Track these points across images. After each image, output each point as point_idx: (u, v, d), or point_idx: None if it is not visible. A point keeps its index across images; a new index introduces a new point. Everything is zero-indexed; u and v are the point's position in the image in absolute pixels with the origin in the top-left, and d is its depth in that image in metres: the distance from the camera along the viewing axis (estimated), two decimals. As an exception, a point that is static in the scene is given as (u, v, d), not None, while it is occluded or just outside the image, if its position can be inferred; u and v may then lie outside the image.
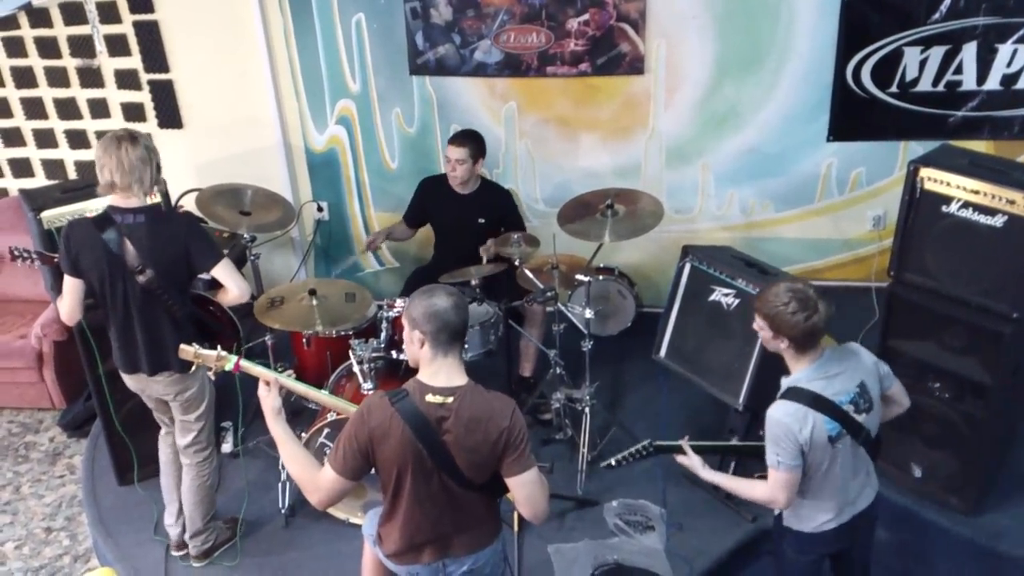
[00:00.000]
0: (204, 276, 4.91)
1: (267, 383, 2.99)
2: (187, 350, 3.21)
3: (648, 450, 3.27)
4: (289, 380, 3.09)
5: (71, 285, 3.50)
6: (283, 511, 4.32)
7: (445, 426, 2.68)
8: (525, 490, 2.74)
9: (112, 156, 3.33)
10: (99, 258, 3.40)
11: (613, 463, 3.31)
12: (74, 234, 3.44)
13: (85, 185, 4.29)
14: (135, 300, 3.49)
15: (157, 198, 3.63)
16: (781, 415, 2.92)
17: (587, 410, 4.53)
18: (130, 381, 3.76)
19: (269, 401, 2.94)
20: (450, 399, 2.69)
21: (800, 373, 2.99)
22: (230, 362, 3.19)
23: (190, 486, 3.96)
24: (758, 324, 3.02)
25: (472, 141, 4.82)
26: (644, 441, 3.27)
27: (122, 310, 3.52)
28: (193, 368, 3.60)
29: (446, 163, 4.84)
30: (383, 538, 2.95)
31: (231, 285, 3.53)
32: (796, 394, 2.94)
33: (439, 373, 2.73)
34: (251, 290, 3.55)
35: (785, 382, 3.02)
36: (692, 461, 3.22)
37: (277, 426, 2.91)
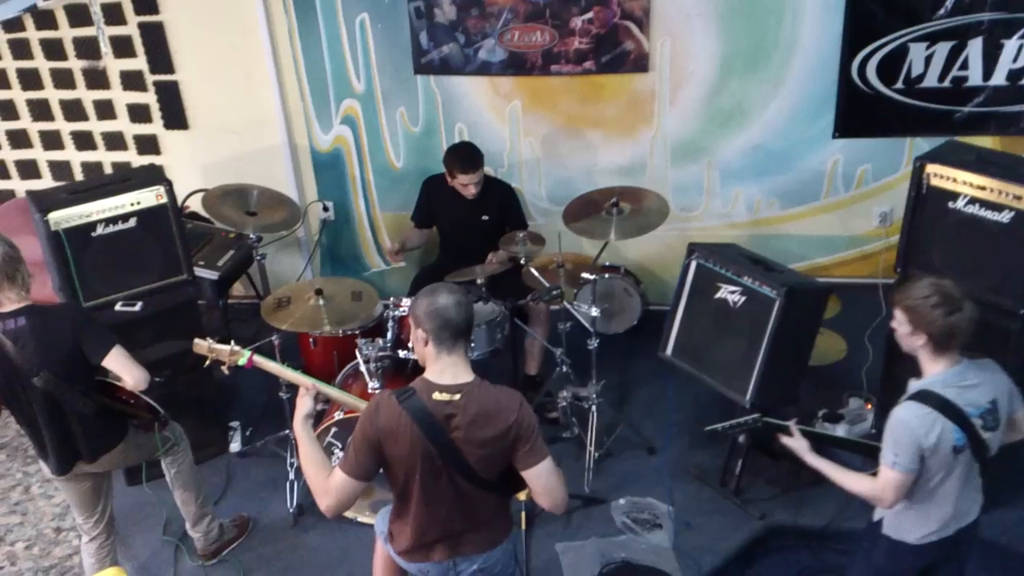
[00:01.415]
0: (211, 276, 4.99)
1: (307, 389, 3.02)
2: (201, 344, 3.23)
3: (756, 423, 3.26)
4: (327, 387, 3.12)
5: None
6: (291, 510, 4.33)
7: (453, 423, 2.68)
8: (542, 481, 2.74)
9: None
10: None
11: (719, 428, 3.31)
12: None
13: (92, 186, 4.32)
14: (38, 403, 3.38)
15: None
16: (909, 416, 2.82)
17: (594, 408, 4.53)
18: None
19: (304, 407, 2.96)
20: (457, 396, 2.69)
21: (935, 376, 2.87)
22: (243, 357, 3.21)
23: (173, 477, 3.95)
24: (896, 320, 2.92)
25: (481, 160, 4.78)
26: (754, 415, 3.26)
27: (28, 415, 3.44)
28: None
29: (461, 187, 4.78)
30: (394, 536, 2.96)
31: (125, 375, 3.34)
32: (927, 397, 2.83)
33: (445, 371, 2.73)
34: (148, 378, 3.34)
35: (915, 384, 2.92)
36: (799, 444, 3.16)
37: (303, 430, 2.92)
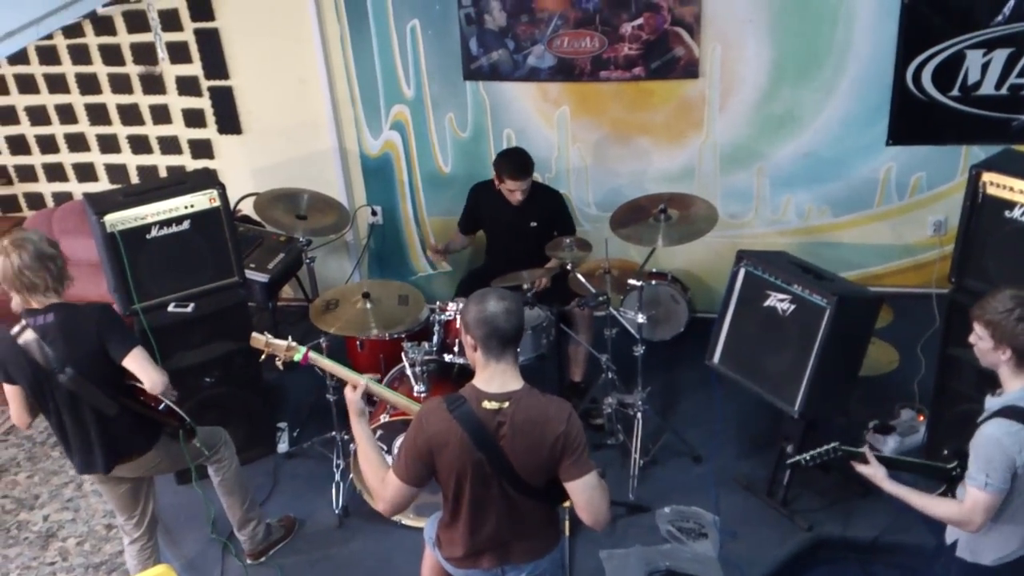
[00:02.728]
0: (261, 279, 5.04)
1: (354, 386, 3.01)
2: (259, 338, 3.28)
3: (836, 452, 3.17)
4: (375, 384, 3.13)
5: (10, 392, 3.46)
6: (337, 512, 4.36)
7: (502, 432, 2.67)
8: (585, 495, 2.71)
9: (9, 268, 3.28)
10: (21, 364, 3.36)
11: (802, 462, 3.24)
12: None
13: (147, 189, 4.39)
14: (63, 401, 3.44)
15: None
16: (1001, 434, 2.72)
17: (639, 415, 4.50)
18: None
19: (354, 403, 2.97)
20: (506, 404, 2.68)
21: (1021, 391, 2.80)
22: (299, 353, 3.25)
23: (218, 485, 4.00)
24: (977, 334, 2.86)
25: (531, 168, 4.78)
26: (833, 444, 3.16)
27: (55, 413, 3.48)
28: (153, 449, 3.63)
29: (508, 193, 4.79)
30: (443, 542, 2.96)
31: (142, 376, 3.36)
32: (1016, 413, 2.74)
33: (493, 378, 2.72)
34: (165, 383, 3.39)
35: (997, 401, 2.85)
36: (876, 472, 3.07)
37: (359, 427, 2.93)
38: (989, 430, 2.76)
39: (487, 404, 2.68)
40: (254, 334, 3.29)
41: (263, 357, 3.35)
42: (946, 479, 2.97)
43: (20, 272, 3.28)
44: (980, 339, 2.84)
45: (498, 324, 2.66)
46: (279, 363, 3.32)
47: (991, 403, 2.86)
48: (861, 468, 3.11)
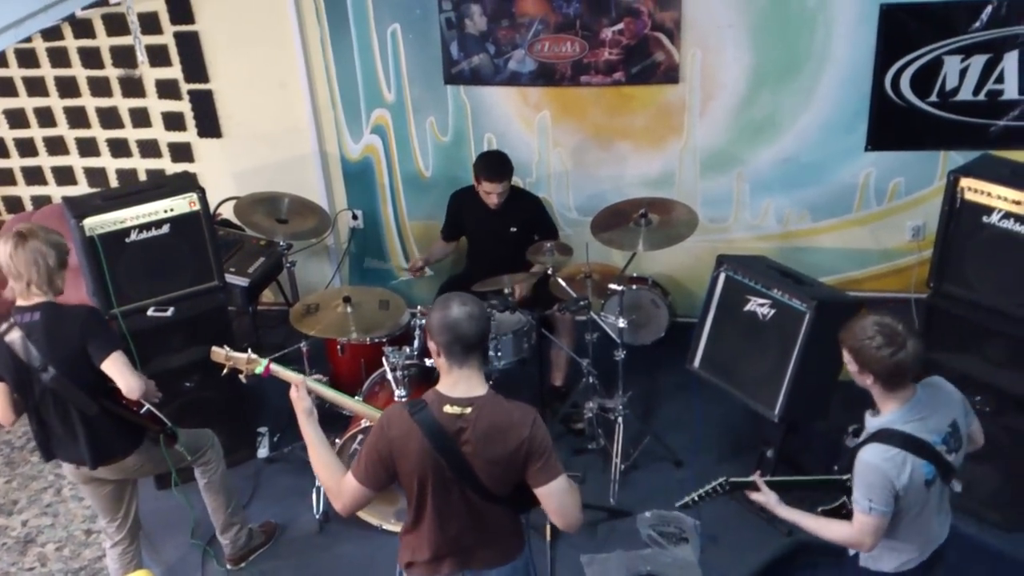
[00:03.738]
0: (241, 283, 5.02)
1: (296, 386, 3.00)
2: (219, 352, 3.25)
3: (724, 487, 3.14)
4: (316, 384, 3.10)
5: None
6: (318, 517, 4.35)
7: (464, 437, 2.64)
8: (555, 499, 2.70)
9: (7, 257, 3.30)
10: (6, 360, 3.36)
11: (690, 502, 3.21)
12: None
13: (126, 193, 4.38)
14: (45, 400, 3.44)
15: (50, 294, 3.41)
16: (879, 460, 2.76)
17: (620, 420, 4.51)
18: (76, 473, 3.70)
19: (300, 403, 2.96)
20: (468, 410, 2.65)
21: (893, 415, 2.83)
22: (260, 365, 3.22)
23: (204, 487, 3.99)
24: (845, 357, 2.88)
25: (508, 171, 4.78)
26: (720, 479, 3.14)
27: (35, 412, 3.49)
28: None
29: (484, 195, 4.80)
30: (403, 547, 2.91)
31: (119, 381, 3.36)
32: (891, 437, 2.78)
33: (458, 383, 2.69)
34: (143, 388, 3.38)
35: (875, 422, 2.88)
36: (768, 498, 3.08)
37: (308, 427, 2.91)
38: (866, 457, 2.78)
39: (448, 408, 2.66)
40: (214, 348, 3.25)
41: (225, 372, 3.30)
42: (844, 490, 2.97)
43: (9, 258, 3.30)
44: (849, 363, 2.87)
45: (461, 329, 2.64)
46: (242, 378, 3.29)
47: (870, 423, 2.89)
48: (754, 496, 3.12)
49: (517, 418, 2.67)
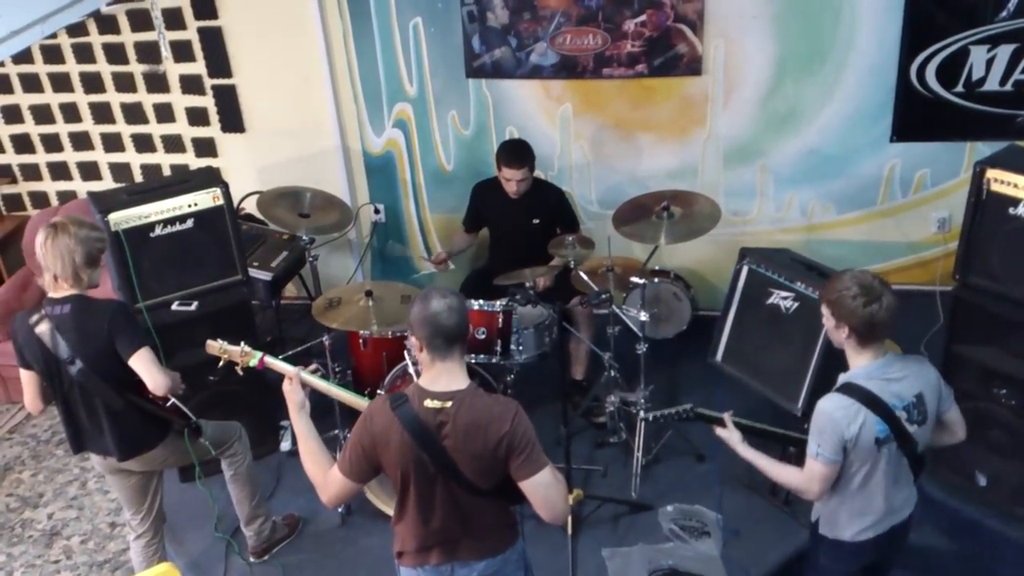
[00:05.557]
0: (264, 277, 5.04)
1: (289, 379, 3.02)
2: (213, 345, 3.28)
3: (689, 414, 3.32)
4: (310, 376, 3.11)
5: (25, 377, 3.51)
6: (340, 510, 4.37)
7: (445, 432, 2.64)
8: (539, 493, 2.68)
9: (39, 248, 3.33)
10: (36, 351, 3.41)
11: (649, 417, 3.43)
12: (16, 329, 3.45)
13: (151, 188, 4.40)
14: (72, 391, 3.49)
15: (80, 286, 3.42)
16: (832, 408, 2.86)
17: (642, 413, 4.50)
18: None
19: (292, 396, 2.99)
20: (448, 404, 2.65)
21: (859, 369, 2.92)
22: (254, 358, 3.25)
23: (230, 479, 4.03)
24: (823, 313, 2.96)
25: (529, 158, 4.78)
26: (687, 405, 3.31)
27: (63, 403, 3.53)
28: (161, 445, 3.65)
29: (504, 182, 4.80)
30: (395, 537, 2.93)
31: (145, 377, 3.39)
32: (851, 390, 2.87)
33: (438, 378, 2.69)
34: (169, 385, 3.41)
35: (842, 377, 2.96)
36: (731, 436, 3.22)
37: (300, 421, 2.94)
38: (822, 405, 2.88)
39: (428, 403, 2.65)
40: (208, 341, 3.28)
41: (221, 364, 3.32)
42: (803, 447, 3.04)
43: (41, 249, 3.34)
44: (826, 319, 2.96)
45: (440, 322, 2.64)
46: (238, 370, 3.31)
47: (839, 380, 2.97)
48: (719, 431, 3.26)
49: (497, 412, 2.66)
